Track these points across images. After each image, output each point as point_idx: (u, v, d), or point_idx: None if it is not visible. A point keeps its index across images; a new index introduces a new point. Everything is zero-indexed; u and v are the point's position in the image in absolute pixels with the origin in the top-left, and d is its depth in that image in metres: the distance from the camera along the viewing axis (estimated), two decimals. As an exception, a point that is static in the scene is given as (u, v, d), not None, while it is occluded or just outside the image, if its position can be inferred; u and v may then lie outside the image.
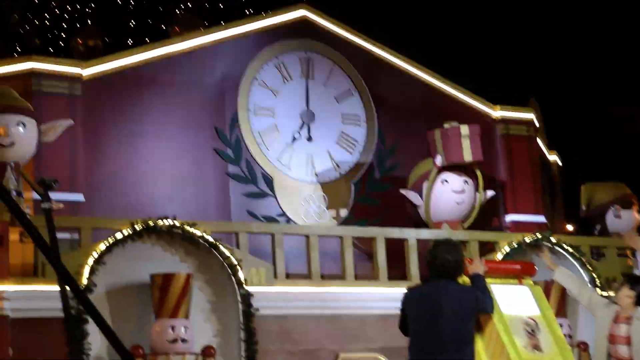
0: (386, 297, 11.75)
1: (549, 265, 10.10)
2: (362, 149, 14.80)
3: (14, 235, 10.55)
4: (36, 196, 10.15)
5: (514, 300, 8.52)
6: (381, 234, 12.66)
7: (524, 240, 12.92)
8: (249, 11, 16.77)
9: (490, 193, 14.40)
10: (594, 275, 13.00)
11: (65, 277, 3.63)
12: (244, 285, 11.16)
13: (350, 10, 17.37)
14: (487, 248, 13.08)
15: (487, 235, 13.49)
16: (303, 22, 14.93)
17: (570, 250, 13.10)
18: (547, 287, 11.69)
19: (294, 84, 14.60)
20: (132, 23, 16.62)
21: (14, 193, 11.29)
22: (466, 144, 13.80)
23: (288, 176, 14.24)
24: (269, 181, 14.12)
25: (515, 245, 12.82)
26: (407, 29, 22.69)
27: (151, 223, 10.91)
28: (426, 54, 16.52)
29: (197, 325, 10.95)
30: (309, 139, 14.49)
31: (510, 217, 15.34)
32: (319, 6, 15.21)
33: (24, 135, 11.69)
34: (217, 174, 13.84)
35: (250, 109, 14.18)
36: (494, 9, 24.48)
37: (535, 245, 12.86)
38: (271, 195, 14.08)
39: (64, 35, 16.85)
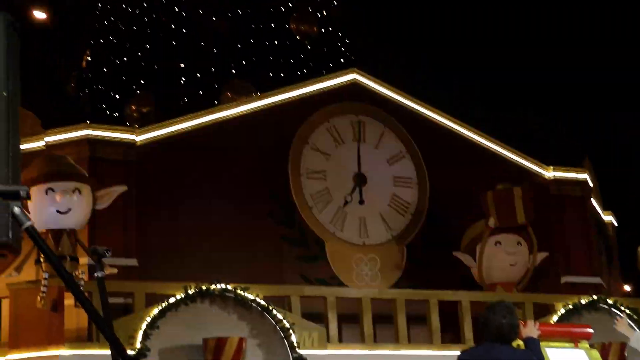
0: (440, 360, 11.65)
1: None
2: (414, 211, 14.76)
3: (68, 301, 10.65)
4: (91, 261, 10.26)
5: (569, 364, 8.40)
6: (434, 296, 12.57)
7: (580, 302, 12.76)
8: (300, 75, 16.89)
9: (544, 254, 14.25)
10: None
11: (118, 348, 3.65)
12: (297, 349, 11.12)
13: (400, 73, 17.46)
14: (541, 310, 12.92)
15: (541, 297, 13.34)
16: (353, 85, 15.03)
17: (628, 311, 12.90)
18: (604, 350, 11.50)
19: (346, 147, 14.65)
20: (184, 89, 16.81)
21: (69, 259, 11.41)
22: (519, 206, 13.71)
23: (340, 239, 14.23)
24: (321, 244, 14.12)
25: (571, 307, 12.65)
26: (459, 91, 22.73)
27: (204, 287, 10.95)
28: (477, 116, 16.54)
29: (250, 390, 10.92)
30: (361, 201, 14.48)
31: (565, 279, 15.16)
32: (368, 70, 15.32)
33: (80, 201, 11.84)
34: (269, 237, 13.86)
35: (302, 172, 14.24)
36: (544, 72, 24.47)
37: (592, 307, 12.69)
38: (323, 258, 14.07)
39: (118, 101, 17.10)
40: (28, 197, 3.30)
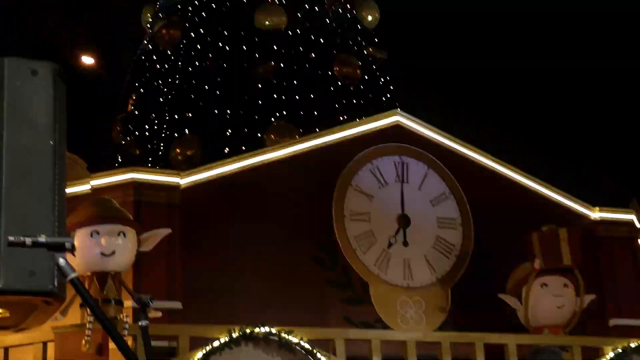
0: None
1: None
2: (458, 253, 14.68)
3: (113, 344, 10.65)
4: (136, 304, 10.29)
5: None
6: (480, 339, 12.47)
7: (629, 345, 12.59)
8: (343, 118, 16.95)
9: (591, 297, 14.09)
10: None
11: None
12: (341, 393, 11.07)
13: (443, 114, 17.45)
14: (590, 353, 12.76)
15: (589, 340, 13.17)
16: (396, 127, 15.04)
17: (678, 354, 12.71)
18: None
19: (389, 189, 14.63)
20: (228, 131, 16.91)
21: (114, 302, 11.48)
22: (565, 247, 13.60)
23: (384, 281, 14.17)
24: (365, 287, 14.06)
25: (620, 351, 12.49)
26: (502, 132, 22.67)
27: (248, 330, 10.95)
28: (522, 156, 16.47)
29: None
30: (405, 243, 14.43)
31: (613, 322, 14.95)
32: (411, 111, 15.35)
33: (125, 244, 11.91)
34: (313, 280, 13.84)
35: (345, 214, 14.23)
36: (589, 114, 24.39)
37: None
38: (368, 301, 14.01)
39: (163, 145, 17.22)
40: (73, 249, 3.33)
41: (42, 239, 3.31)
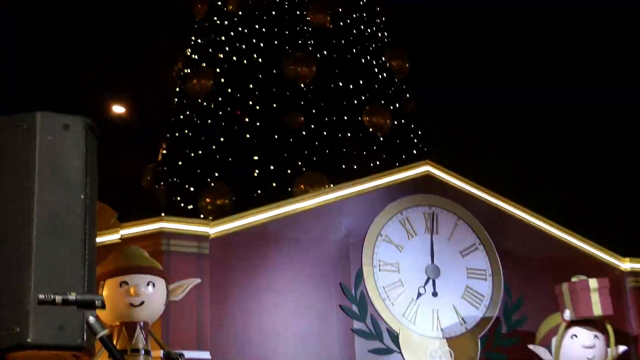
0: None
1: None
2: (488, 304, 14.60)
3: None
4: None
5: None
6: (510, 391, 12.36)
7: (660, 398, 12.44)
8: (373, 167, 16.99)
9: (622, 348, 13.95)
10: None
11: None
12: None
13: (473, 165, 17.46)
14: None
15: (621, 393, 13.03)
16: (426, 177, 15.05)
17: None
18: None
19: (419, 239, 14.61)
20: (258, 181, 16.99)
21: (143, 352, 11.45)
22: (595, 298, 13.47)
23: (413, 332, 14.11)
24: (394, 337, 14.00)
25: (651, 404, 12.34)
26: (532, 180, 22.64)
27: (276, 381, 10.90)
28: (551, 207, 16.41)
29: None
30: (434, 294, 14.38)
31: (645, 373, 14.82)
32: (441, 161, 15.36)
33: (154, 294, 11.89)
34: (342, 330, 13.80)
35: (375, 264, 14.22)
36: (617, 162, 24.31)
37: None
38: (397, 351, 13.94)
39: (193, 194, 17.30)
40: (103, 306, 3.37)
41: (72, 296, 3.34)
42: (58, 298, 3.28)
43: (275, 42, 18.30)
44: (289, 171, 16.86)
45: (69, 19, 24.12)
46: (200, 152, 17.44)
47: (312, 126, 17.33)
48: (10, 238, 4.01)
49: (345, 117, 17.68)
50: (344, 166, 17.00)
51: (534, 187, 21.62)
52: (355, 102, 17.92)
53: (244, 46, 18.39)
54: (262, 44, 18.31)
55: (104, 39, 24.51)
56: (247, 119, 17.45)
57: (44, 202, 4.06)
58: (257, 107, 17.59)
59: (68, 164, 4.25)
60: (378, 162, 17.19)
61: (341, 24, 18.81)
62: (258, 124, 17.36)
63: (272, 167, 16.88)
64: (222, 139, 17.40)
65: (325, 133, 17.34)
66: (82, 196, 4.23)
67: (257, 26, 18.48)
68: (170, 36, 22.31)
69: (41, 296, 3.31)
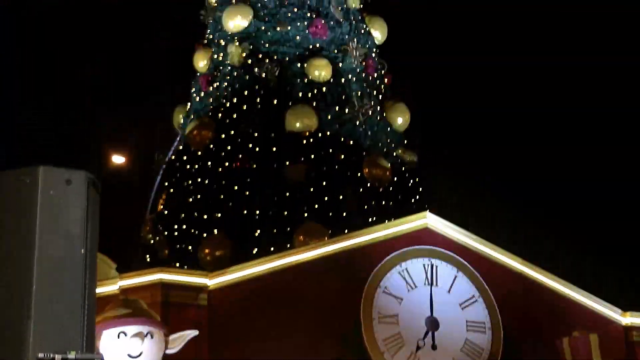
0: None
1: None
2: (487, 356, 14.52)
3: None
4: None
5: None
6: None
7: None
8: (372, 219, 16.97)
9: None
10: None
11: None
12: None
13: (473, 217, 17.47)
14: None
15: None
16: (425, 230, 15.04)
17: None
18: None
19: (418, 292, 14.57)
20: (257, 232, 16.95)
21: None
22: (596, 353, 13.44)
23: (413, 385, 14.03)
24: (393, 390, 13.92)
25: None
26: (533, 234, 22.64)
27: None
28: (552, 259, 16.41)
29: None
30: (434, 347, 14.30)
31: None
32: (440, 213, 15.36)
33: (152, 345, 11.80)
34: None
35: (374, 316, 14.16)
36: (618, 219, 24.38)
37: None
38: (396, 405, 13.85)
39: (192, 245, 17.25)
40: (102, 365, 3.34)
41: (71, 356, 3.32)
42: (57, 357, 3.26)
43: (276, 94, 18.37)
44: (288, 223, 16.83)
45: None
46: (199, 202, 17.43)
47: (313, 174, 17.33)
48: (11, 291, 4.01)
49: (345, 169, 17.68)
50: (344, 215, 16.98)
51: (535, 240, 21.60)
52: (355, 152, 17.95)
53: (244, 97, 18.45)
54: (262, 95, 18.38)
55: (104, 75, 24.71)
56: (246, 170, 17.45)
57: (44, 256, 4.07)
58: (257, 158, 17.61)
59: (69, 218, 4.26)
60: (377, 214, 17.17)
61: (342, 75, 18.92)
62: (258, 175, 17.38)
63: (271, 218, 16.86)
64: (221, 190, 17.40)
65: (324, 184, 17.33)
66: (83, 250, 4.25)
67: (258, 77, 18.56)
68: (171, 88, 22.42)
69: (40, 355, 3.29)
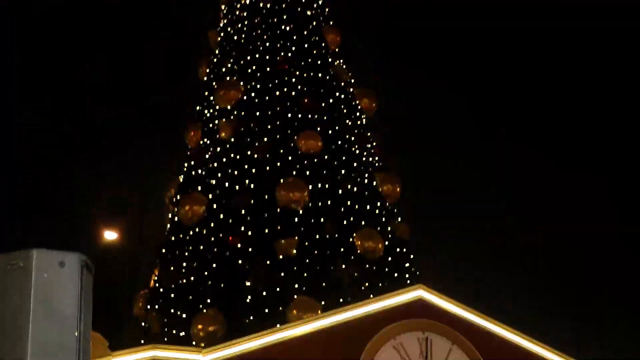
0: None
1: None
2: None
3: None
4: None
5: None
6: None
7: None
8: (365, 292, 16.92)
9: None
10: None
11: None
12: None
13: (468, 284, 17.45)
14: None
15: None
16: (419, 302, 14.97)
17: None
18: None
19: (413, 366, 14.47)
20: (250, 307, 16.88)
21: None
22: None
23: None
24: None
25: None
26: (532, 303, 22.63)
27: None
28: (553, 329, 16.37)
29: None
30: None
31: None
32: (434, 285, 15.32)
33: None
34: None
35: (369, 391, 14.04)
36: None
37: None
38: None
39: (184, 320, 17.16)
40: None
41: None
42: None
43: (267, 167, 18.40)
44: (281, 297, 16.75)
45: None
46: (192, 278, 17.37)
47: (305, 244, 17.30)
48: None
49: (337, 242, 17.66)
50: (336, 290, 16.92)
51: (534, 315, 21.58)
52: (347, 225, 17.93)
53: (235, 172, 18.48)
54: (254, 170, 18.40)
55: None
56: (239, 245, 17.42)
57: (37, 341, 4.04)
58: (249, 233, 17.59)
59: (63, 301, 4.24)
60: (370, 287, 17.10)
61: (333, 147, 18.96)
62: (250, 249, 17.34)
63: (264, 293, 16.79)
64: (214, 265, 17.36)
65: (317, 256, 17.29)
66: (76, 334, 4.22)
67: (248, 152, 18.61)
68: (163, 160, 22.48)
69: None
